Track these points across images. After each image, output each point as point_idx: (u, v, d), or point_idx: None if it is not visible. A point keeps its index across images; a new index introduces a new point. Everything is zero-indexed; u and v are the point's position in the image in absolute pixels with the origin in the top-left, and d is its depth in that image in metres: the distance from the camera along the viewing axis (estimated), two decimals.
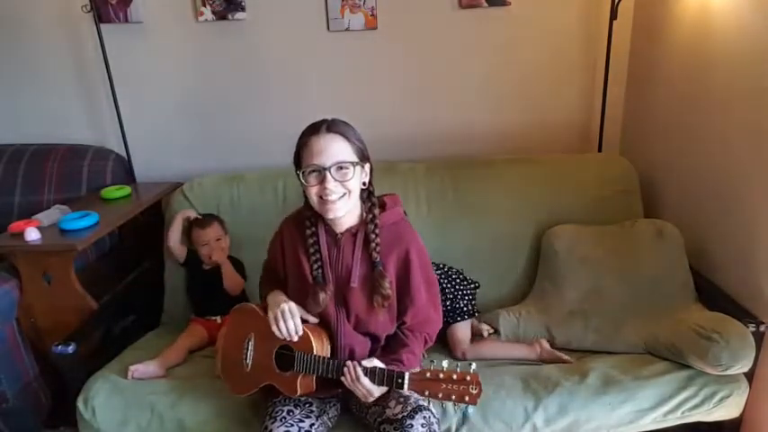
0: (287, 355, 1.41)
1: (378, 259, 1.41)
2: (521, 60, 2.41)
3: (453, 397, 1.25)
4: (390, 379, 1.31)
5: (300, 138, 1.37)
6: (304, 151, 1.34)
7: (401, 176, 2.16)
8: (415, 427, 1.29)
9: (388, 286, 1.40)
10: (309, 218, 1.44)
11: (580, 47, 2.40)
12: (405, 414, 1.32)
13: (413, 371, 1.32)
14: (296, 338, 1.38)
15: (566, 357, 1.77)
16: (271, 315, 1.41)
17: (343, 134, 1.35)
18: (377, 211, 1.42)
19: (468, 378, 1.25)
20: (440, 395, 1.26)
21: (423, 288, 1.46)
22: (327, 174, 1.31)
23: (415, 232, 1.49)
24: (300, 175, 1.35)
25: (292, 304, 1.41)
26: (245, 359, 1.48)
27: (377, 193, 1.47)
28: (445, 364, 1.28)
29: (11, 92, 2.44)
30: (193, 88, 2.43)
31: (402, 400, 1.36)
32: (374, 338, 1.49)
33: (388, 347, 1.49)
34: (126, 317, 2.08)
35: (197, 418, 1.57)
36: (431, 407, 1.38)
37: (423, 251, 1.48)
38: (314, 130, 1.35)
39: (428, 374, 1.28)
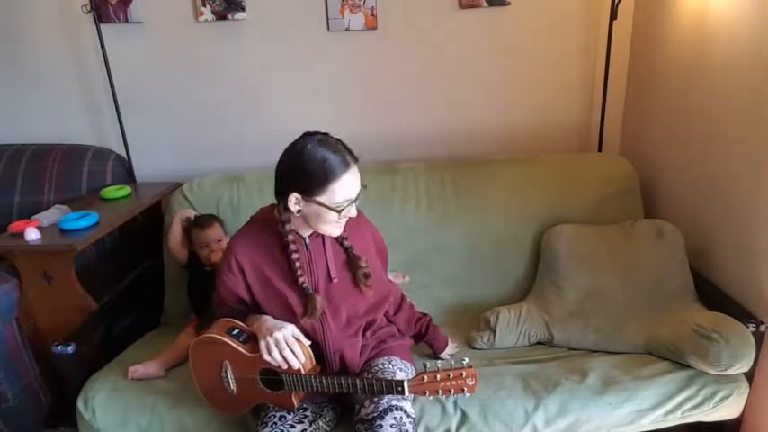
0: (273, 375, 1.37)
1: (349, 245, 1.45)
2: (520, 60, 2.41)
3: (452, 391, 1.31)
4: (390, 388, 1.33)
5: (331, 172, 1.30)
6: (339, 186, 1.31)
7: (401, 176, 2.16)
8: (384, 427, 1.30)
9: (366, 264, 1.44)
10: (284, 235, 1.39)
11: (580, 47, 2.40)
12: (375, 414, 1.33)
13: (410, 378, 1.34)
14: (295, 368, 1.32)
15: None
16: (263, 344, 1.32)
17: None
18: None
19: (464, 373, 1.31)
20: (439, 392, 1.31)
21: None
22: (354, 203, 1.35)
23: (368, 219, 1.55)
24: (335, 206, 1.31)
25: (287, 331, 1.34)
26: (229, 386, 1.43)
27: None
28: (439, 364, 1.33)
29: (11, 92, 2.44)
30: (193, 88, 2.43)
31: (375, 399, 1.36)
32: (369, 325, 1.50)
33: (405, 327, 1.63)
34: (126, 317, 2.08)
35: (197, 418, 1.57)
36: (407, 406, 1.38)
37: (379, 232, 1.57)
38: (345, 165, 1.31)
39: (425, 378, 1.32)
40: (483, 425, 1.56)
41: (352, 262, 1.44)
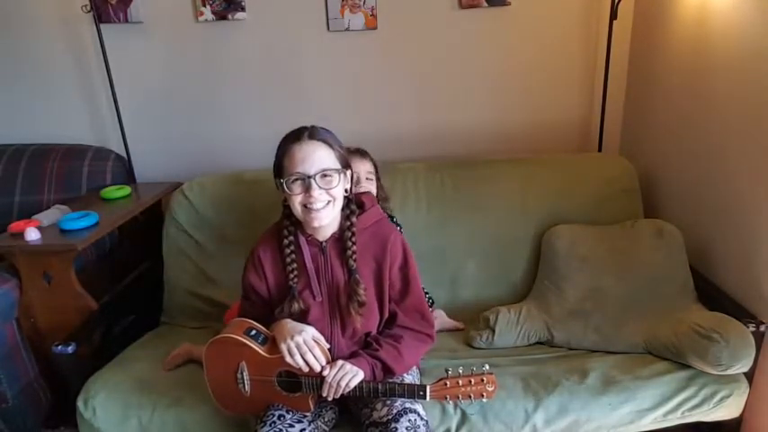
0: (291, 377, 1.37)
1: (354, 267, 1.40)
2: (521, 60, 2.41)
3: (472, 396, 1.32)
4: (412, 392, 1.33)
5: (281, 146, 1.35)
6: (286, 159, 1.33)
7: (401, 176, 2.16)
8: (399, 430, 1.29)
9: (363, 293, 1.39)
10: (288, 227, 1.41)
11: (580, 47, 2.40)
12: (390, 417, 1.32)
13: (432, 383, 1.33)
14: (317, 371, 1.32)
15: (459, 324, 1.96)
16: (284, 347, 1.32)
17: (326, 141, 1.34)
18: (354, 218, 1.41)
19: (485, 379, 1.32)
20: (459, 397, 1.32)
21: (415, 279, 1.48)
22: (312, 182, 1.30)
23: (394, 227, 1.50)
24: (283, 184, 1.33)
25: (307, 334, 1.34)
26: (243, 388, 1.42)
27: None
28: (461, 370, 1.33)
29: (11, 92, 2.44)
30: (193, 88, 2.43)
31: (389, 402, 1.36)
32: (367, 335, 1.49)
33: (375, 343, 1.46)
34: (126, 317, 2.08)
35: (197, 417, 1.57)
36: (420, 408, 1.37)
37: (406, 244, 1.49)
38: (295, 137, 1.33)
39: (447, 383, 1.32)
40: (483, 425, 1.56)
41: (350, 287, 1.40)
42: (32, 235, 1.83)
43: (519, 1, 2.32)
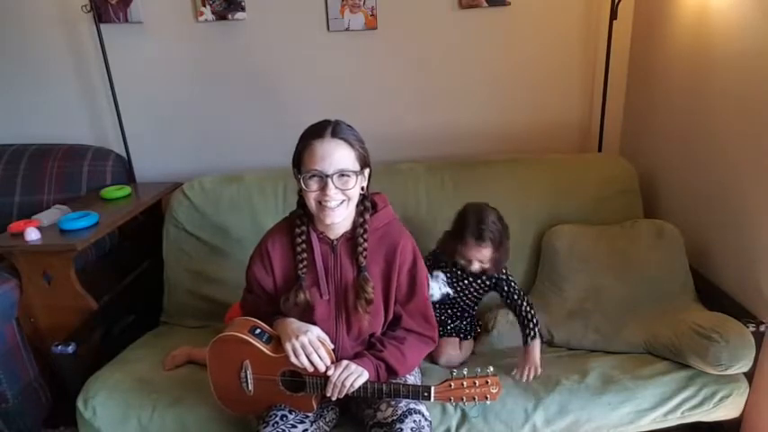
0: (295, 377, 1.37)
1: (363, 264, 1.39)
2: (521, 60, 2.41)
3: (476, 398, 1.32)
4: (416, 393, 1.34)
5: (302, 139, 1.33)
6: (306, 154, 1.31)
7: (401, 176, 2.16)
8: (404, 430, 1.29)
9: (372, 291, 1.38)
10: (301, 216, 1.40)
11: (580, 47, 2.40)
12: (395, 418, 1.32)
13: (437, 384, 1.33)
14: (322, 371, 1.32)
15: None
16: (288, 347, 1.31)
17: (348, 140, 1.31)
18: (368, 216, 1.41)
19: (489, 381, 1.32)
20: (463, 398, 1.32)
21: (422, 283, 1.46)
22: (329, 181, 1.28)
23: (406, 230, 1.49)
24: (300, 178, 1.32)
25: (312, 334, 1.34)
26: (246, 387, 1.40)
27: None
28: (465, 371, 1.33)
29: (11, 92, 2.43)
30: (193, 88, 2.43)
31: (393, 403, 1.36)
32: (372, 336, 1.49)
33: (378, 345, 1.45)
34: (126, 317, 2.08)
35: (197, 416, 1.57)
36: (423, 409, 1.37)
37: (416, 248, 1.47)
38: (317, 133, 1.30)
39: (452, 385, 1.33)
40: (483, 425, 1.56)
41: (359, 284, 1.38)
42: (32, 235, 1.83)
43: (519, 1, 2.32)
